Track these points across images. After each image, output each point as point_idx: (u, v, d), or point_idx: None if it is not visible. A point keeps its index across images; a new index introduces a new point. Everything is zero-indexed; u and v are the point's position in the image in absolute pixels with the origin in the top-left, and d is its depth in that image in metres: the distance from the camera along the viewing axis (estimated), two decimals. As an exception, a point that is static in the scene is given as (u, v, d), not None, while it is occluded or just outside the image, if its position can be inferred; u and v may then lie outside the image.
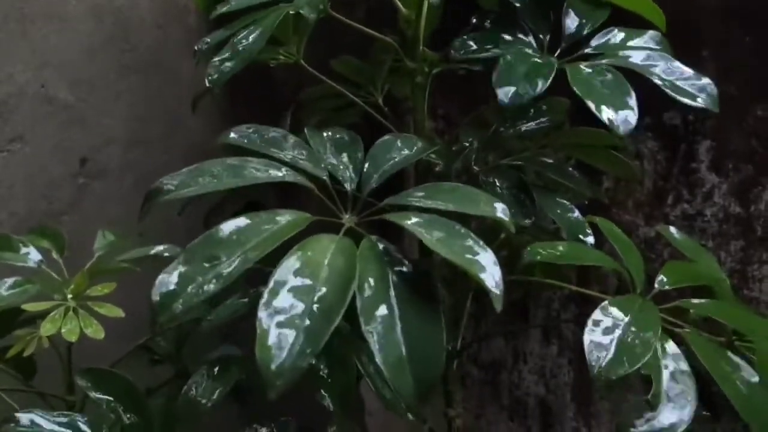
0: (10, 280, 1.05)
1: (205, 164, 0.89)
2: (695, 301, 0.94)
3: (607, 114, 0.94)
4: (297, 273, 0.75)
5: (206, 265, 0.76)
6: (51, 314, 0.99)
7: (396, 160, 1.01)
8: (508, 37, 1.08)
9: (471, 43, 1.09)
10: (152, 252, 1.19)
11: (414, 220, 0.83)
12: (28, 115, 1.32)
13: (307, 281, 0.74)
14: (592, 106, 0.95)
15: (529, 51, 1.06)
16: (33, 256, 1.12)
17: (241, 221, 0.81)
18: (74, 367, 1.10)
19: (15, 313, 1.02)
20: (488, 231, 0.99)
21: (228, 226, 0.80)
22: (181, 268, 0.77)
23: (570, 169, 1.20)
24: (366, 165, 0.99)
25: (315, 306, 0.72)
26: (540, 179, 1.18)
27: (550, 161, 1.17)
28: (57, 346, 1.07)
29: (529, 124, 1.19)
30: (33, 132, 1.34)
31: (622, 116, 0.94)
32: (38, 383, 1.14)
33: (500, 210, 0.85)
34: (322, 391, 1.00)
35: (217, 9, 1.15)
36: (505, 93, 0.97)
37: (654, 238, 1.39)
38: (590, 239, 1.08)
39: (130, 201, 1.54)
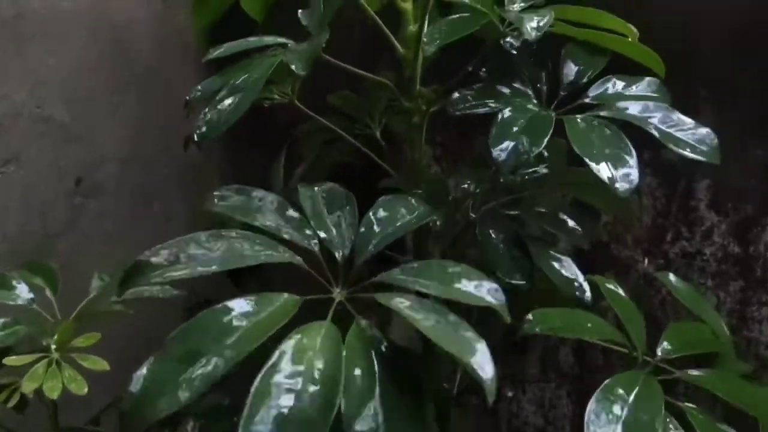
0: (-1, 321, 1.03)
1: (191, 240, 0.86)
2: (696, 373, 0.93)
3: (606, 173, 0.92)
4: (281, 383, 0.71)
5: (184, 365, 0.72)
6: (33, 369, 0.98)
7: (397, 225, 0.97)
8: (505, 90, 1.06)
9: (469, 97, 1.06)
10: (146, 294, 1.18)
11: (406, 303, 0.79)
12: (23, 135, 1.31)
13: (293, 385, 0.71)
14: (591, 164, 0.93)
15: (529, 105, 1.03)
16: (23, 293, 1.10)
17: (224, 310, 0.78)
18: (62, 407, 1.08)
19: (3, 354, 1.00)
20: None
21: (208, 318, 0.77)
22: (156, 367, 0.73)
23: (563, 217, 1.17)
24: (362, 229, 0.95)
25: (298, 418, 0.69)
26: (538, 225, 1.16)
27: (546, 210, 1.15)
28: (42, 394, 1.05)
29: (530, 170, 1.17)
30: (28, 152, 1.32)
31: (622, 174, 0.92)
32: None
33: (490, 295, 0.82)
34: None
35: (210, 53, 1.14)
36: (502, 150, 0.95)
37: (653, 274, 1.38)
38: (587, 295, 1.06)
39: (126, 218, 1.53)
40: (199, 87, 1.10)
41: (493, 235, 1.08)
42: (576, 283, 1.06)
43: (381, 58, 1.27)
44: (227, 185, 1.00)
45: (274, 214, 0.95)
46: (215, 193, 0.98)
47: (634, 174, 0.93)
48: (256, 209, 0.95)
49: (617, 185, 0.92)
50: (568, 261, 1.09)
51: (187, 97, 1.11)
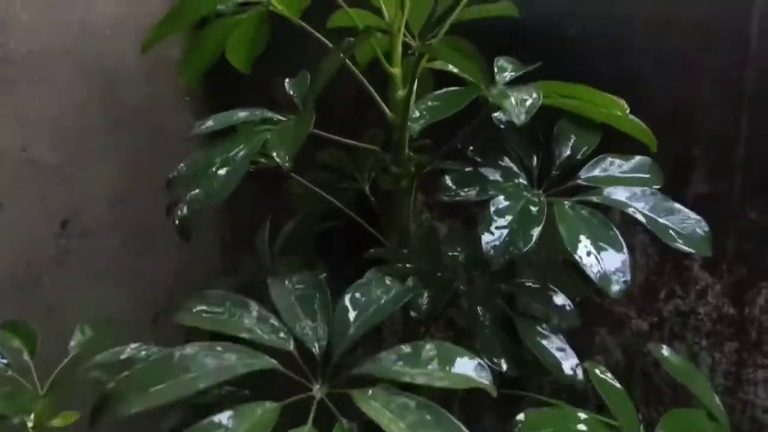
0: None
1: (176, 355, 0.84)
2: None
3: (596, 269, 0.90)
4: None
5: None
6: (9, 451, 0.97)
7: (381, 304, 0.96)
8: (496, 174, 1.04)
9: (459, 182, 1.04)
10: (123, 357, 1.16)
11: (383, 398, 0.79)
12: (8, 178, 1.30)
13: None
14: (579, 259, 0.91)
15: (524, 193, 1.01)
16: (-1, 358, 1.09)
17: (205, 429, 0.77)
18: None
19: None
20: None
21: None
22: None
23: (553, 294, 1.14)
24: (337, 319, 0.95)
25: None
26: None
27: (536, 286, 1.13)
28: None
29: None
30: (13, 195, 1.32)
31: (611, 270, 0.90)
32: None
33: (477, 373, 0.83)
34: None
35: (196, 126, 1.12)
36: (490, 243, 0.93)
37: (647, 331, 1.36)
38: (579, 380, 1.03)
39: (115, 259, 1.52)
40: (183, 164, 1.08)
41: (480, 313, 1.07)
42: (567, 366, 1.04)
43: (372, 110, 1.24)
44: (203, 291, 0.98)
45: (254, 319, 0.94)
46: (191, 307, 0.96)
47: (626, 272, 0.90)
48: (236, 315, 0.94)
49: (610, 287, 0.90)
50: (559, 339, 1.07)
51: (170, 175, 1.09)
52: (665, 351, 1.10)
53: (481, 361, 0.85)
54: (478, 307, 1.07)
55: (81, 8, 1.40)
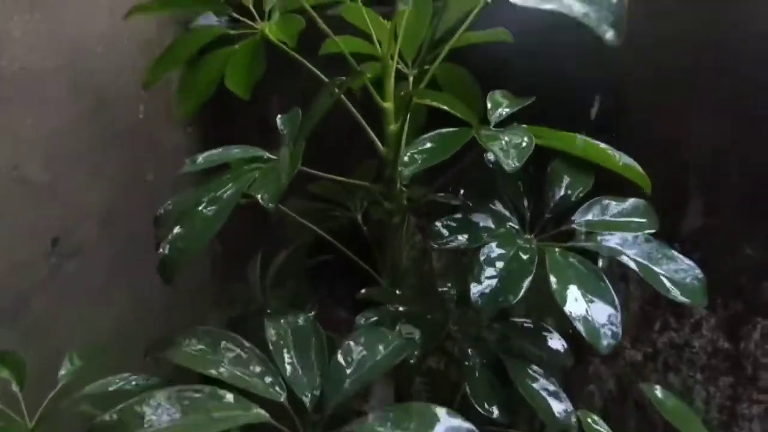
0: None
1: (162, 397, 0.83)
2: None
3: (586, 325, 0.89)
4: None
5: None
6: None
7: (370, 365, 0.94)
8: (488, 219, 1.02)
9: (451, 229, 1.02)
10: (112, 388, 1.15)
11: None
12: None
13: None
14: (571, 313, 0.89)
15: (518, 240, 0.99)
16: (-16, 390, 1.08)
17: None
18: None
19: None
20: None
21: None
22: None
23: (546, 335, 1.13)
24: (332, 370, 0.93)
25: None
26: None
27: (529, 325, 1.11)
28: None
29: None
30: (4, 213, 1.30)
31: (601, 324, 0.89)
32: None
33: None
34: None
35: (188, 164, 1.10)
36: (477, 292, 0.91)
37: (641, 362, 1.35)
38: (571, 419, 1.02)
39: (107, 276, 1.50)
40: (170, 202, 1.07)
41: (470, 355, 1.05)
42: (558, 411, 1.02)
43: (364, 137, 1.23)
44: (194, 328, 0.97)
45: (244, 365, 0.92)
46: (182, 341, 0.94)
47: (616, 325, 0.89)
48: (218, 360, 0.92)
49: (599, 342, 0.88)
50: (551, 383, 1.04)
51: (158, 213, 1.08)
52: (658, 392, 1.09)
53: (467, 424, 0.82)
54: (469, 350, 1.06)
55: (74, 26, 1.38)
